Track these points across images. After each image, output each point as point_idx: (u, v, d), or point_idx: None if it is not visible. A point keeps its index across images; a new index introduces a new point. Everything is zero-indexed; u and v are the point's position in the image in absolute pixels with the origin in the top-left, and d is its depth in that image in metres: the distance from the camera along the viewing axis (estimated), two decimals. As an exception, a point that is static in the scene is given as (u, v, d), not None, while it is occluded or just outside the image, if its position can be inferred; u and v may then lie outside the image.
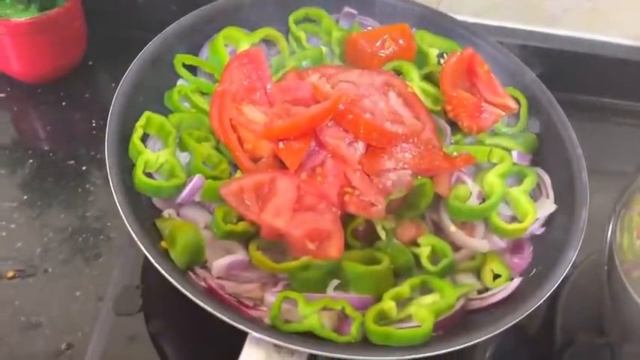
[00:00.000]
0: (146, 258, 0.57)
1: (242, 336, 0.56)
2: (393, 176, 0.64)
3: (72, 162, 0.86)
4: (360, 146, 0.66)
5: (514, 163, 0.72)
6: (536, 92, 0.78)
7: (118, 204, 0.59)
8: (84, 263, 0.76)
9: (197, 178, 0.63)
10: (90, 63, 0.98)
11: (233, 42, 0.80)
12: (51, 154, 0.86)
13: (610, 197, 0.71)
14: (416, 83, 0.77)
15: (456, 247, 0.67)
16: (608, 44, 1.03)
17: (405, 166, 0.65)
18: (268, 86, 0.71)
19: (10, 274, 0.74)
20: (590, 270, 0.79)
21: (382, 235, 0.64)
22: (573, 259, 0.62)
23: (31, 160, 0.85)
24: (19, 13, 0.83)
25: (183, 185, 0.64)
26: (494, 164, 0.72)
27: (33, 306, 0.71)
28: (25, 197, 0.81)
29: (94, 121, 0.91)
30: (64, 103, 0.92)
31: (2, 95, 0.92)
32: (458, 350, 0.55)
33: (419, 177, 0.66)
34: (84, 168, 0.85)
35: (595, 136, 1.01)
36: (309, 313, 0.56)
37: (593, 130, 1.01)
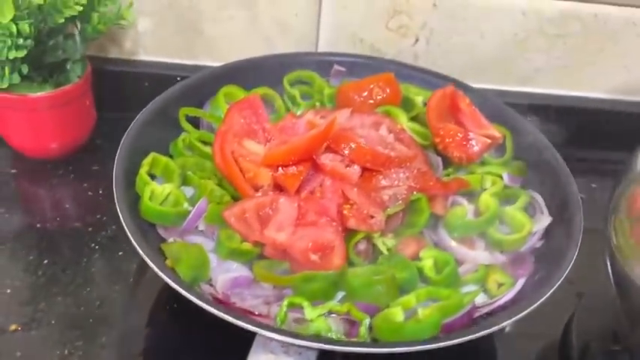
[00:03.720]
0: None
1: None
2: (390, 192, 0.67)
3: (78, 224, 0.88)
4: (356, 170, 0.69)
5: (506, 186, 0.75)
6: (519, 125, 0.83)
7: (125, 227, 0.61)
8: (87, 316, 0.75)
9: (201, 202, 0.66)
10: (98, 142, 1.03)
11: (233, 99, 0.86)
12: (58, 218, 0.88)
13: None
14: (404, 123, 0.82)
15: (459, 262, 0.68)
16: (582, 98, 1.10)
17: (400, 184, 0.68)
18: (267, 125, 0.75)
19: (13, 327, 0.73)
20: (595, 299, 0.79)
21: (384, 249, 0.65)
22: (575, 256, 0.63)
23: (38, 225, 0.87)
24: (34, 90, 0.89)
25: (188, 213, 0.66)
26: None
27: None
28: (31, 257, 0.82)
29: (100, 189, 0.94)
30: (72, 176, 0.96)
31: (13, 171, 0.96)
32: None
33: (414, 193, 0.68)
34: (90, 229, 0.87)
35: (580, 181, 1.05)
36: (316, 317, 0.56)
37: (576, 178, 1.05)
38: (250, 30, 1.03)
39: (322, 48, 1.04)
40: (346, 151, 0.69)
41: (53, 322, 0.74)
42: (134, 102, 1.08)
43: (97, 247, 0.84)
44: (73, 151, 0.98)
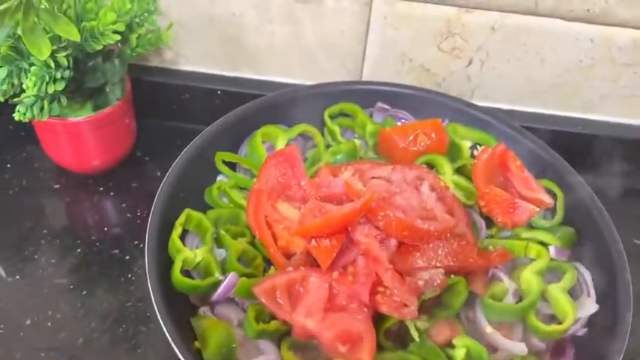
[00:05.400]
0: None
1: None
2: (426, 275, 0.64)
3: (116, 251, 0.89)
4: (392, 243, 0.66)
5: (552, 259, 0.71)
6: (573, 185, 0.77)
7: (154, 304, 0.61)
8: (124, 354, 0.77)
9: (231, 276, 0.65)
10: (138, 154, 1.03)
11: (271, 138, 0.83)
12: (97, 244, 0.90)
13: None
14: (449, 177, 0.78)
15: (493, 349, 0.65)
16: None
17: (438, 264, 0.65)
18: (302, 182, 0.73)
19: (53, 364, 0.76)
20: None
21: (415, 336, 0.64)
22: (618, 365, 0.59)
23: (79, 250, 0.89)
24: (75, 112, 0.89)
25: (219, 283, 0.66)
26: (532, 259, 0.71)
27: (72, 397, 0.72)
28: (72, 287, 0.84)
29: (139, 211, 0.94)
30: (112, 193, 0.97)
31: (57, 186, 0.98)
32: None
33: (452, 276, 0.65)
34: (127, 257, 0.88)
35: (638, 220, 0.99)
36: (340, 420, 0.56)
37: (636, 215, 0.98)
38: (294, 45, 0.99)
39: (368, 67, 0.99)
40: (382, 224, 0.66)
41: (91, 361, 0.77)
42: (174, 112, 1.08)
43: (133, 278, 0.86)
44: (114, 165, 0.98)
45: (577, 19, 0.90)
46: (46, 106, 0.82)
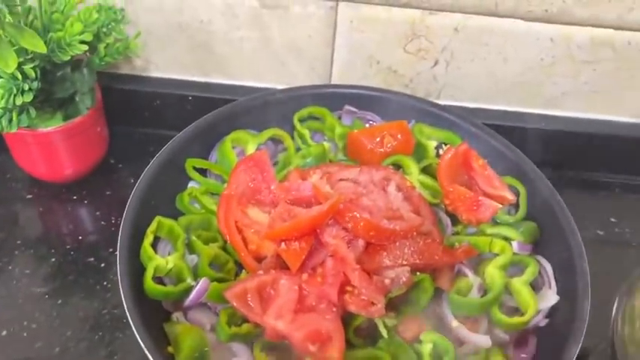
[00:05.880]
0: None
1: None
2: (392, 274, 0.66)
3: (91, 259, 0.89)
4: (360, 244, 0.68)
5: (515, 253, 0.73)
6: (535, 180, 0.80)
7: (127, 311, 0.62)
8: (99, 363, 0.78)
9: (202, 282, 0.66)
10: (111, 161, 1.04)
11: (241, 144, 0.85)
12: (72, 252, 0.90)
13: (618, 275, 0.72)
14: (415, 177, 0.80)
15: (460, 342, 0.68)
16: (609, 122, 1.05)
17: (404, 262, 0.67)
18: (272, 187, 0.74)
19: (30, 375, 0.77)
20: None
21: (384, 332, 0.66)
22: (576, 354, 0.62)
23: (53, 259, 0.89)
24: (45, 122, 0.89)
25: (191, 289, 0.67)
26: (496, 254, 0.74)
27: (50, 407, 0.73)
28: (47, 296, 0.85)
29: (113, 218, 0.95)
30: (85, 202, 0.98)
31: (29, 196, 0.98)
32: None
33: (418, 273, 0.68)
34: (102, 265, 0.89)
35: (601, 211, 1.02)
36: (311, 419, 0.57)
37: (598, 207, 1.02)
38: (263, 50, 1.00)
39: (337, 70, 1.01)
40: (349, 225, 0.68)
41: (67, 370, 0.78)
42: (146, 118, 1.08)
43: (109, 285, 0.86)
44: (87, 173, 0.99)
45: (536, 19, 0.93)
46: (14, 118, 0.82)
